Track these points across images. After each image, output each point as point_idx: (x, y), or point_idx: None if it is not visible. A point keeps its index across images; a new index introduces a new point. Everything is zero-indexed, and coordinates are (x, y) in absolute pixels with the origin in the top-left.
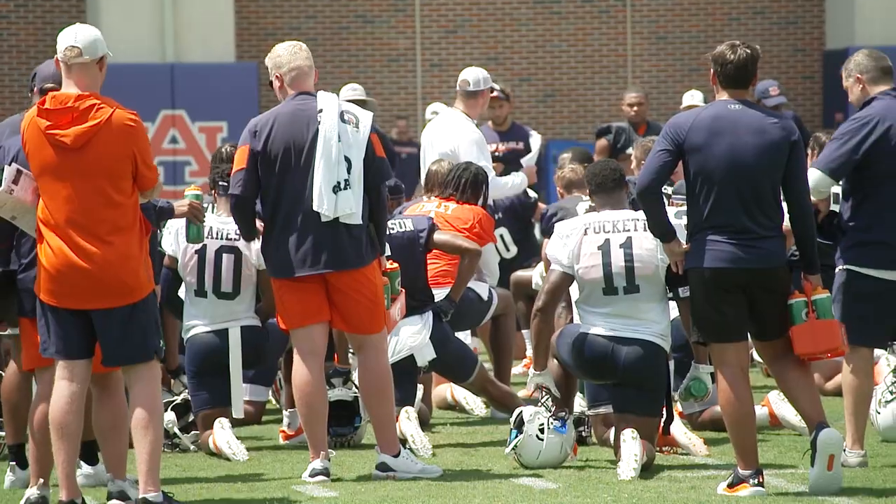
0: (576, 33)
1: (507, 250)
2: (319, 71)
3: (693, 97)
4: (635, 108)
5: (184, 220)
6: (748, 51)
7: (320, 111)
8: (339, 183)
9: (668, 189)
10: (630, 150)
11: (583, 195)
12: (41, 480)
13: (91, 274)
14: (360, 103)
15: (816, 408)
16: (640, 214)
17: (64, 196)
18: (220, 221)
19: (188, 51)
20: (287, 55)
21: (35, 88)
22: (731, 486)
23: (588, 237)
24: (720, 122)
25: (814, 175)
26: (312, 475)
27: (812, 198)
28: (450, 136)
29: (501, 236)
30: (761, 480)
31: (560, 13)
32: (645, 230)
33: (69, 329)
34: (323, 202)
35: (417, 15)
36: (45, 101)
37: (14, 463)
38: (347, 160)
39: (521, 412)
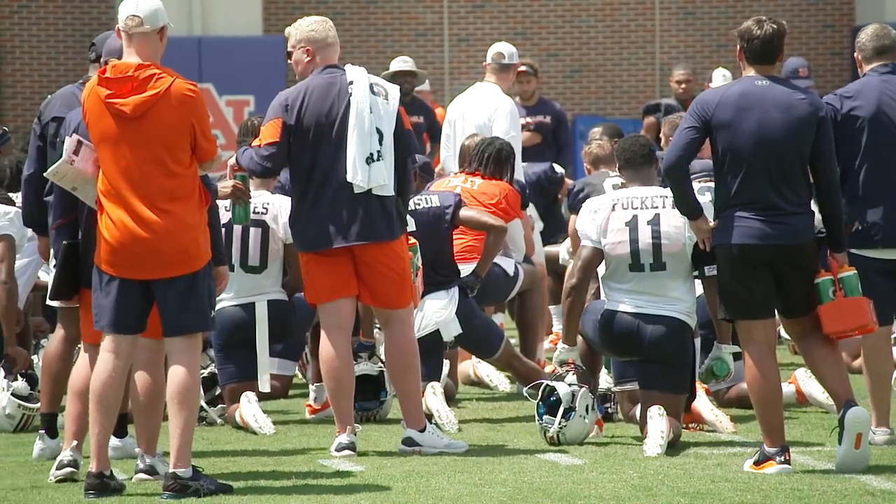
0: (603, 8)
1: (534, 226)
2: (346, 45)
3: (724, 76)
4: (683, 86)
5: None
6: (774, 26)
7: (351, 83)
8: (371, 154)
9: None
10: None
11: (610, 171)
12: (75, 442)
13: (151, 243)
14: (412, 75)
15: (844, 385)
16: (669, 191)
17: (123, 165)
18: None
19: (215, 24)
20: (321, 29)
21: (100, 59)
22: (757, 463)
23: (616, 213)
24: (748, 98)
25: None
26: (338, 449)
27: None
28: (486, 106)
29: (528, 213)
30: (788, 458)
31: None
32: (673, 207)
33: (125, 302)
34: (357, 173)
35: None
36: (106, 70)
37: (44, 431)
38: (379, 132)
39: (553, 389)
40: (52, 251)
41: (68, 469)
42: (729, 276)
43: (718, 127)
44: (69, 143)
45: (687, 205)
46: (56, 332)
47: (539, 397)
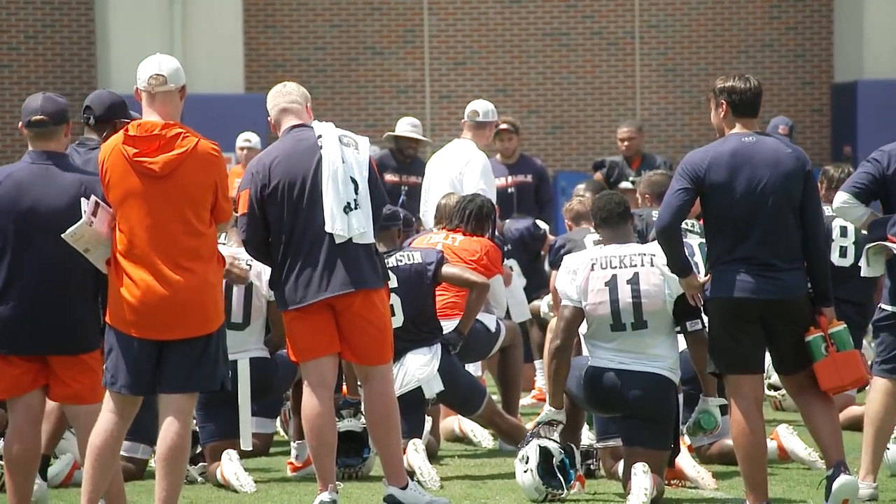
0: (584, 65)
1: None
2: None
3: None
4: (626, 143)
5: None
6: (756, 81)
7: (319, 137)
8: (349, 203)
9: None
10: (624, 184)
11: (591, 227)
12: None
13: (175, 302)
14: (416, 141)
15: (837, 445)
16: (647, 248)
17: (147, 224)
18: (230, 252)
19: (197, 82)
20: (271, 98)
21: (22, 124)
22: None
23: (595, 273)
24: (738, 157)
25: (839, 197)
26: None
27: (841, 218)
28: (458, 161)
29: (510, 267)
30: None
31: (568, 45)
32: (652, 265)
33: (143, 363)
34: (336, 222)
35: (426, 46)
36: (130, 129)
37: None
38: (354, 181)
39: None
40: None
41: None
42: (720, 329)
43: (711, 187)
44: (88, 204)
45: (678, 264)
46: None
47: (537, 461)
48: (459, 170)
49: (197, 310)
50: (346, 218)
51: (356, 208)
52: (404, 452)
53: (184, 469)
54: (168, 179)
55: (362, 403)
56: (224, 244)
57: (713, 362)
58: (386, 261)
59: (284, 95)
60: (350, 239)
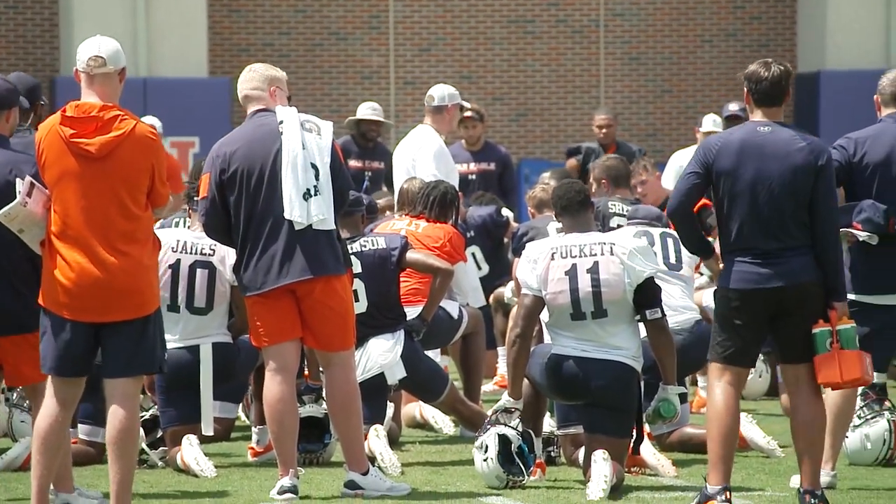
0: (549, 53)
1: (479, 269)
2: (292, 87)
3: (714, 122)
4: (604, 130)
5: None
6: (781, 67)
7: (281, 123)
8: (308, 190)
9: (618, 207)
10: None
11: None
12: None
13: (109, 285)
14: (377, 124)
15: (813, 465)
16: (607, 237)
17: (82, 206)
18: (194, 237)
19: (161, 65)
20: (240, 81)
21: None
22: (701, 502)
23: (555, 262)
24: (748, 146)
25: None
26: (281, 492)
27: None
28: (411, 148)
29: (473, 254)
30: (729, 497)
31: (533, 32)
32: (612, 254)
33: (74, 346)
34: (294, 209)
35: (391, 33)
36: (67, 110)
37: None
38: (314, 167)
39: (507, 438)
40: None
41: None
42: (722, 319)
43: (719, 173)
44: (23, 184)
45: (696, 245)
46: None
47: (496, 450)
48: (413, 156)
49: (132, 293)
50: (305, 205)
51: (316, 195)
52: (366, 438)
53: (135, 451)
54: (104, 161)
55: (324, 389)
56: (190, 230)
57: (710, 346)
58: (349, 246)
59: (248, 81)
60: (310, 225)
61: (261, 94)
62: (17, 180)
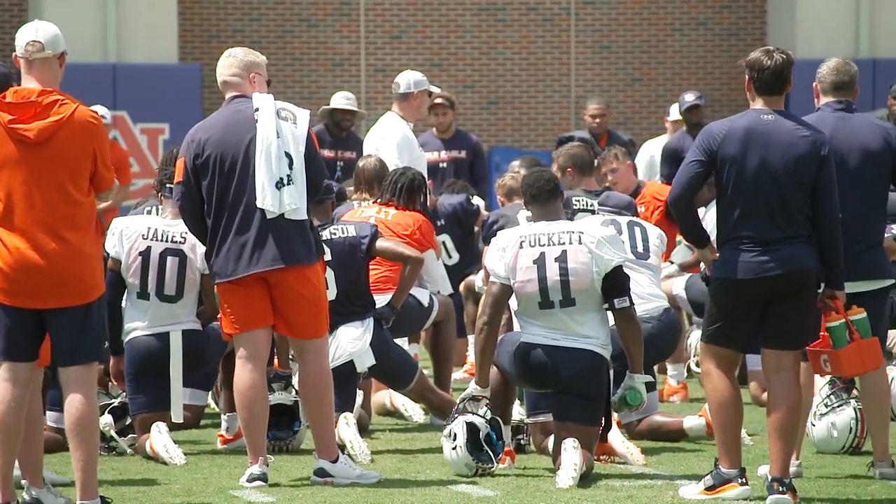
0: (520, 41)
1: (450, 257)
2: None
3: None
4: (597, 120)
5: (127, 219)
6: (783, 56)
7: (256, 110)
8: (281, 179)
9: (582, 202)
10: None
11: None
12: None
13: (48, 271)
14: (351, 113)
15: (783, 454)
16: (576, 226)
17: (23, 192)
18: (165, 224)
19: (131, 51)
20: (219, 66)
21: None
22: (710, 488)
23: (524, 251)
24: (752, 134)
25: None
26: (250, 480)
27: None
28: (375, 135)
29: (444, 243)
30: (746, 479)
31: (504, 20)
32: (580, 243)
33: (18, 330)
34: (266, 198)
35: (362, 20)
36: (7, 96)
37: None
38: (288, 156)
39: (475, 426)
40: None
41: None
42: (718, 307)
43: (723, 161)
44: None
45: (694, 234)
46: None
47: (463, 439)
48: (376, 145)
49: (72, 279)
50: (277, 193)
51: (289, 184)
52: (335, 426)
53: (96, 438)
54: (44, 147)
55: (294, 376)
56: (160, 217)
57: (704, 331)
58: (320, 234)
59: (227, 67)
60: (282, 215)
61: (239, 80)
62: None
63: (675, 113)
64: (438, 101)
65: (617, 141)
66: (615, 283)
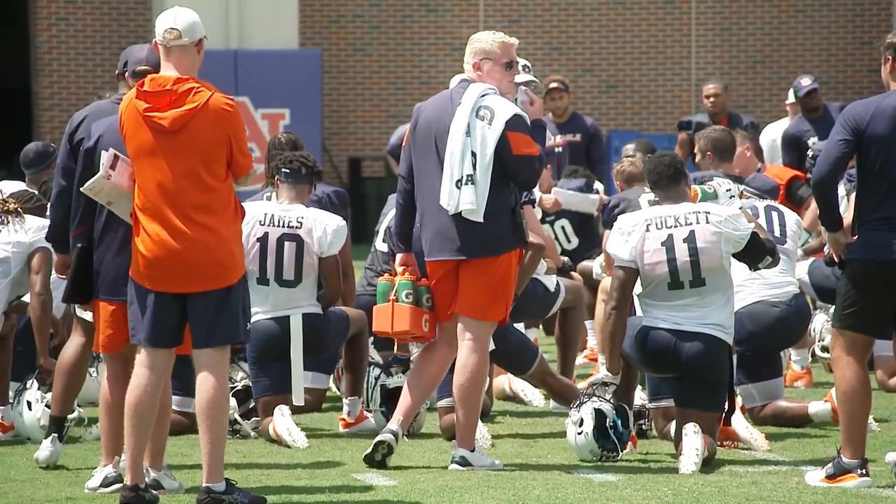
0: (640, 24)
1: (569, 241)
2: (382, 59)
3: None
4: (711, 100)
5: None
6: None
7: (459, 104)
8: (461, 179)
9: (726, 185)
10: None
11: (644, 187)
12: (116, 458)
13: (188, 256)
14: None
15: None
16: (701, 206)
17: (159, 179)
18: (281, 209)
19: (251, 37)
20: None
21: (126, 73)
22: (831, 476)
23: (651, 233)
24: None
25: None
26: (105, 485)
27: None
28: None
29: (563, 227)
30: (868, 471)
31: (624, 3)
32: (707, 222)
33: (162, 316)
34: (444, 196)
35: (481, 4)
36: (144, 84)
37: (56, 435)
38: (474, 155)
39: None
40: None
41: (116, 485)
42: (854, 290)
43: (870, 140)
44: (106, 157)
45: (830, 217)
46: (72, 338)
47: (593, 425)
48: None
49: (211, 264)
50: (457, 192)
51: (468, 184)
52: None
53: (225, 421)
54: (178, 135)
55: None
56: (277, 203)
57: (837, 317)
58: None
59: (466, 53)
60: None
61: (467, 66)
62: (102, 152)
63: (792, 96)
64: (553, 85)
65: (737, 123)
66: (754, 248)
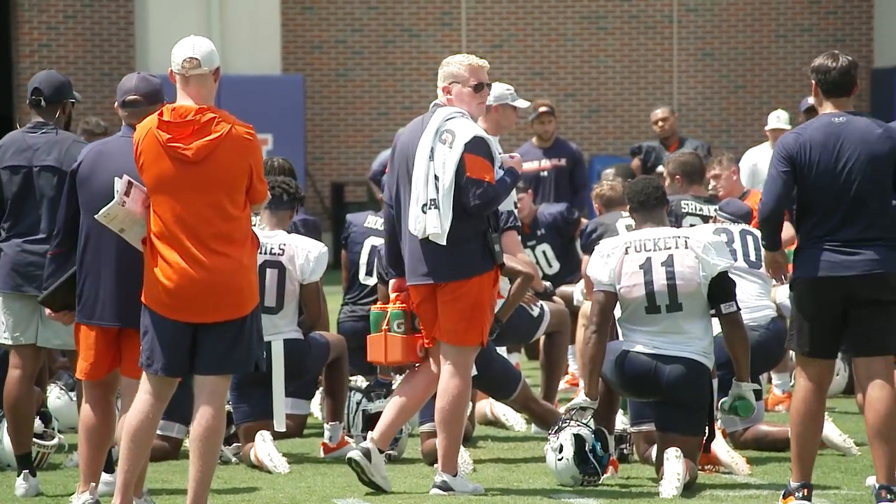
0: (621, 49)
1: (550, 266)
2: (365, 84)
3: (779, 119)
4: (660, 125)
5: None
6: (848, 58)
7: (426, 128)
8: (426, 203)
9: (691, 206)
10: (661, 168)
11: (622, 211)
12: (93, 485)
13: (208, 286)
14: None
15: (891, 459)
16: (681, 231)
17: (180, 209)
18: (263, 236)
19: (234, 63)
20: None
21: (116, 103)
22: (784, 496)
23: (629, 256)
24: (827, 137)
25: None
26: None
27: None
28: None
29: (544, 252)
30: (806, 494)
31: (606, 28)
32: (686, 247)
33: (178, 345)
34: (410, 220)
35: (463, 29)
36: (164, 114)
37: (27, 472)
38: (436, 178)
39: (582, 438)
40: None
41: None
42: (800, 309)
43: (801, 167)
44: (121, 184)
45: (772, 244)
46: (10, 372)
47: (572, 452)
48: None
49: (231, 293)
50: (423, 217)
51: (433, 208)
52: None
53: (217, 450)
54: (201, 165)
55: (393, 384)
56: (259, 228)
57: (793, 340)
58: None
59: (438, 78)
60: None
61: (439, 90)
62: (116, 179)
63: (772, 121)
64: (543, 109)
65: (689, 145)
66: (721, 288)
